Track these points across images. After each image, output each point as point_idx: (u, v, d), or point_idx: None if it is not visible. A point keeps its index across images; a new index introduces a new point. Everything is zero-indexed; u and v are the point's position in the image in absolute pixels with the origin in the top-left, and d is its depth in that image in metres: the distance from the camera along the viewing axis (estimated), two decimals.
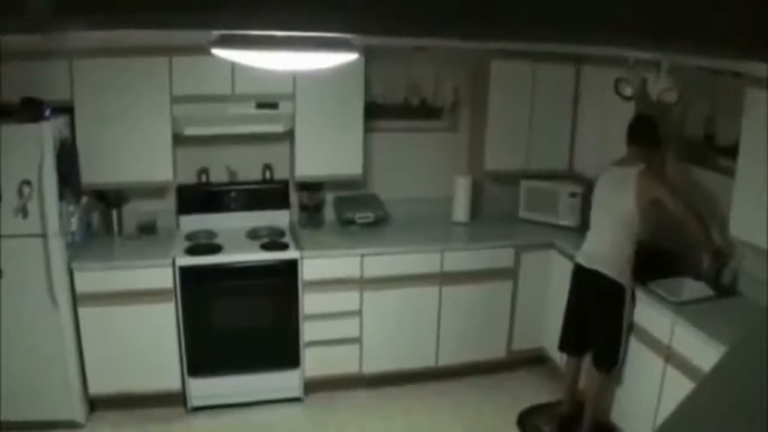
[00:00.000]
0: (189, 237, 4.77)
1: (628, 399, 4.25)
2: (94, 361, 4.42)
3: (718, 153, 4.23)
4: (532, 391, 4.95)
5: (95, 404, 4.55)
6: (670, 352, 3.87)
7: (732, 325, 3.68)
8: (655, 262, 4.31)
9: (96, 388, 4.47)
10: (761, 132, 3.47)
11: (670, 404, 3.88)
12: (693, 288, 4.20)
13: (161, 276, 4.40)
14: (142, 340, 4.45)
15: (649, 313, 4.08)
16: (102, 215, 4.84)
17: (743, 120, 3.67)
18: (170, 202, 4.97)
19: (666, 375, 3.90)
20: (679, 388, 3.77)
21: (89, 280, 4.31)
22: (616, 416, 4.37)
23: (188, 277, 4.41)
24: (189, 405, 4.63)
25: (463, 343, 5.08)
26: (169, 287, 4.41)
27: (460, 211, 5.27)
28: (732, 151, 3.87)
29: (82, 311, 4.32)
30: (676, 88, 4.02)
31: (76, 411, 4.37)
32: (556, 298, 5.02)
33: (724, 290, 4.13)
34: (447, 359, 5.08)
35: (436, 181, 5.40)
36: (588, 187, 5.15)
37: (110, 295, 4.33)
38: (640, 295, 4.15)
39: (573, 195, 5.17)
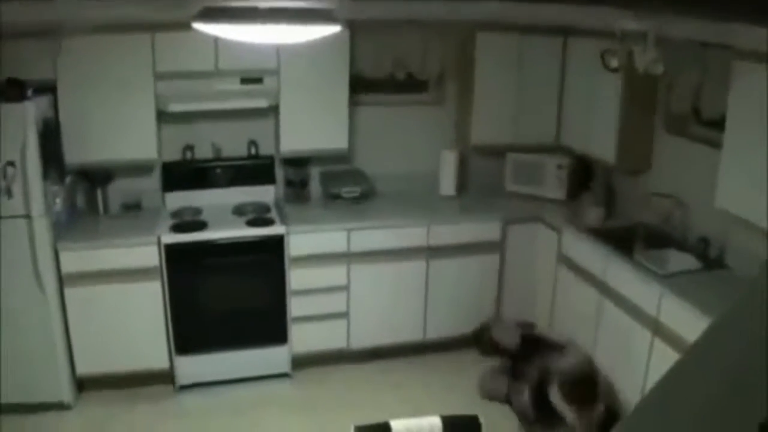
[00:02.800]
0: (174, 214, 4.73)
1: (616, 371, 4.27)
2: (81, 342, 4.40)
3: (705, 125, 4.22)
4: None
5: (83, 385, 4.54)
6: (657, 325, 3.88)
7: (721, 297, 3.67)
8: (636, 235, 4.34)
9: (84, 368, 4.45)
10: (748, 104, 3.46)
11: (657, 377, 3.88)
12: (679, 260, 4.21)
13: (147, 254, 4.37)
14: (128, 319, 4.43)
15: (635, 285, 4.09)
16: (86, 194, 4.79)
17: (730, 92, 3.65)
18: (155, 179, 4.92)
19: (653, 348, 3.92)
20: (666, 360, 3.78)
21: (75, 259, 4.27)
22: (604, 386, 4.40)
23: (174, 254, 4.38)
24: (177, 383, 4.62)
25: (451, 316, 5.08)
26: (155, 265, 4.39)
27: (447, 184, 5.25)
28: (719, 124, 3.86)
29: (69, 291, 4.29)
30: (663, 60, 4.00)
31: (64, 392, 4.36)
32: (543, 271, 5.06)
33: (712, 263, 4.14)
34: (435, 332, 5.09)
35: (422, 155, 5.36)
36: (576, 159, 5.16)
37: (96, 275, 4.30)
38: (627, 266, 4.15)
39: (560, 167, 5.15)
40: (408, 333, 5.05)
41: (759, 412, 0.99)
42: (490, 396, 4.55)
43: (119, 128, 4.46)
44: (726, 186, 3.70)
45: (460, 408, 4.54)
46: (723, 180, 3.72)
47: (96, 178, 4.74)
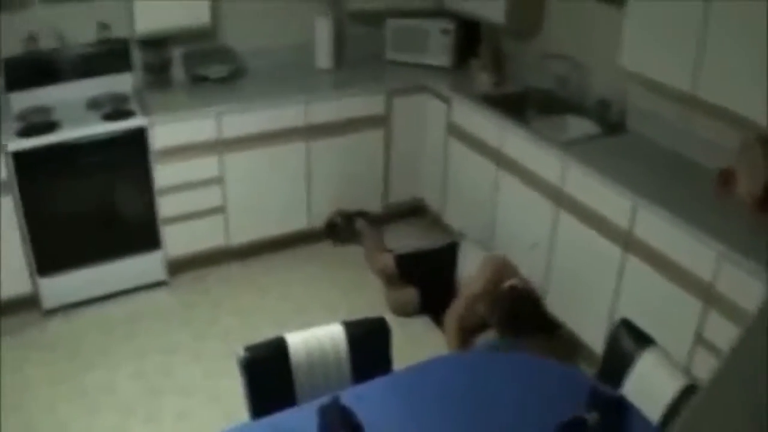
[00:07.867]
0: (21, 117, 3.99)
1: (518, 247, 4.12)
2: None
3: None
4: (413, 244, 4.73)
5: None
6: (561, 195, 3.72)
7: (624, 161, 3.61)
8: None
9: None
10: None
11: (563, 246, 3.79)
12: (578, 125, 4.07)
13: None
14: None
15: (534, 154, 3.88)
16: None
17: None
18: None
19: (559, 219, 3.77)
20: (573, 232, 3.69)
21: None
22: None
23: (24, 163, 3.72)
24: (43, 307, 4.06)
25: (336, 200, 4.75)
26: (4, 178, 3.72)
27: (323, 56, 4.74)
28: None
29: None
30: None
31: None
32: (433, 145, 4.78)
33: (612, 127, 4.00)
34: (321, 219, 4.76)
35: (294, 25, 4.79)
36: (461, 23, 4.79)
37: None
38: (524, 134, 3.91)
39: (445, 32, 4.77)
40: (291, 222, 4.68)
41: None
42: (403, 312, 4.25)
43: None
44: (631, 45, 3.48)
45: (352, 299, 4.35)
46: (628, 39, 3.49)
47: None
